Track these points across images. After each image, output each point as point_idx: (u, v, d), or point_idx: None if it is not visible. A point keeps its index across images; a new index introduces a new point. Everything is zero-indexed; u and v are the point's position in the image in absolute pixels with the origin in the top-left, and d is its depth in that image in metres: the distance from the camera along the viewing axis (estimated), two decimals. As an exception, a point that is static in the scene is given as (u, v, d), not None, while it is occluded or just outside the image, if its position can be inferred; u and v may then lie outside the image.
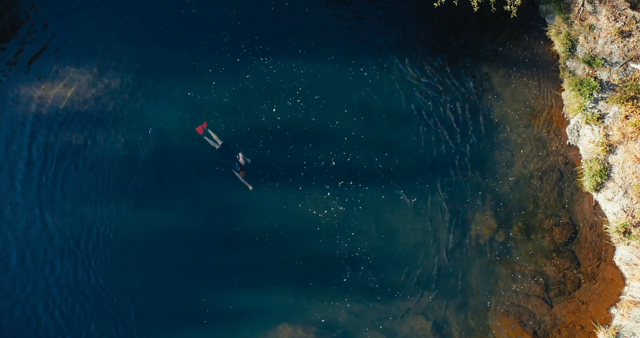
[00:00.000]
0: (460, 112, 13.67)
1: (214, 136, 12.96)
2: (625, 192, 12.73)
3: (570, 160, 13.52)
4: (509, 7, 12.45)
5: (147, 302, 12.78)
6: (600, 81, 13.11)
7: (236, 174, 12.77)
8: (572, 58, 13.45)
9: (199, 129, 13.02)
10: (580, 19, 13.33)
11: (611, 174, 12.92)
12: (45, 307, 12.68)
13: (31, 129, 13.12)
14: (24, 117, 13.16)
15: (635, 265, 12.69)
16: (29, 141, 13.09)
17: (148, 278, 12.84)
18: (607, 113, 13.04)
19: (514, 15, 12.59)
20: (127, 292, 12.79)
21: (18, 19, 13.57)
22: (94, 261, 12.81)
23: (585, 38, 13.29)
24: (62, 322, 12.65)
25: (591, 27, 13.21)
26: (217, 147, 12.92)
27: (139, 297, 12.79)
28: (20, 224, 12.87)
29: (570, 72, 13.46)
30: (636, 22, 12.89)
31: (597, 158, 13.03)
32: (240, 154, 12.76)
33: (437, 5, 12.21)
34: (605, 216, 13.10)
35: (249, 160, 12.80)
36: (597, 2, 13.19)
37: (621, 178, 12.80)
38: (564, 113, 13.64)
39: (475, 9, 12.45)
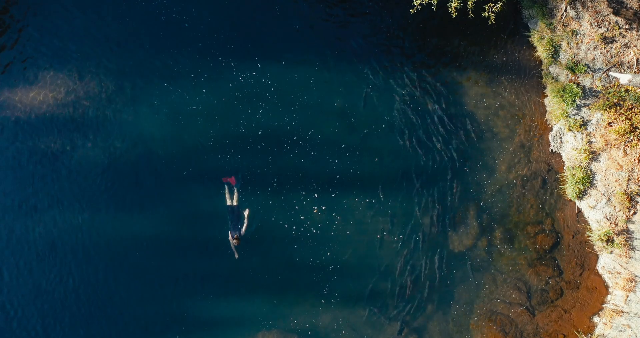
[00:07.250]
0: (441, 119, 13.57)
1: (235, 196, 12.86)
2: (608, 200, 12.58)
3: (553, 167, 13.38)
4: (486, 13, 12.34)
5: (121, 311, 12.66)
6: (583, 88, 12.96)
7: (230, 238, 12.66)
8: (555, 64, 13.31)
9: (225, 180, 12.98)
10: (563, 25, 13.18)
11: (594, 182, 12.78)
12: (15, 313, 12.59)
13: (8, 134, 13.09)
14: (1, 122, 13.13)
15: (618, 273, 12.55)
16: (5, 146, 13.05)
17: (122, 287, 12.73)
18: (590, 120, 12.89)
19: (492, 22, 12.47)
20: (101, 301, 12.64)
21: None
22: (67, 269, 12.70)
23: (568, 44, 13.14)
24: (33, 332, 12.52)
25: (574, 33, 13.06)
26: (228, 203, 12.85)
27: (113, 307, 12.66)
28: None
29: (553, 78, 13.31)
30: (619, 28, 12.73)
31: (580, 165, 12.89)
32: (245, 223, 12.64)
33: (412, 11, 12.12)
34: (588, 224, 12.95)
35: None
36: (580, 7, 13.03)
37: (604, 186, 12.65)
38: (546, 120, 13.49)
39: (453, 16, 12.34)
